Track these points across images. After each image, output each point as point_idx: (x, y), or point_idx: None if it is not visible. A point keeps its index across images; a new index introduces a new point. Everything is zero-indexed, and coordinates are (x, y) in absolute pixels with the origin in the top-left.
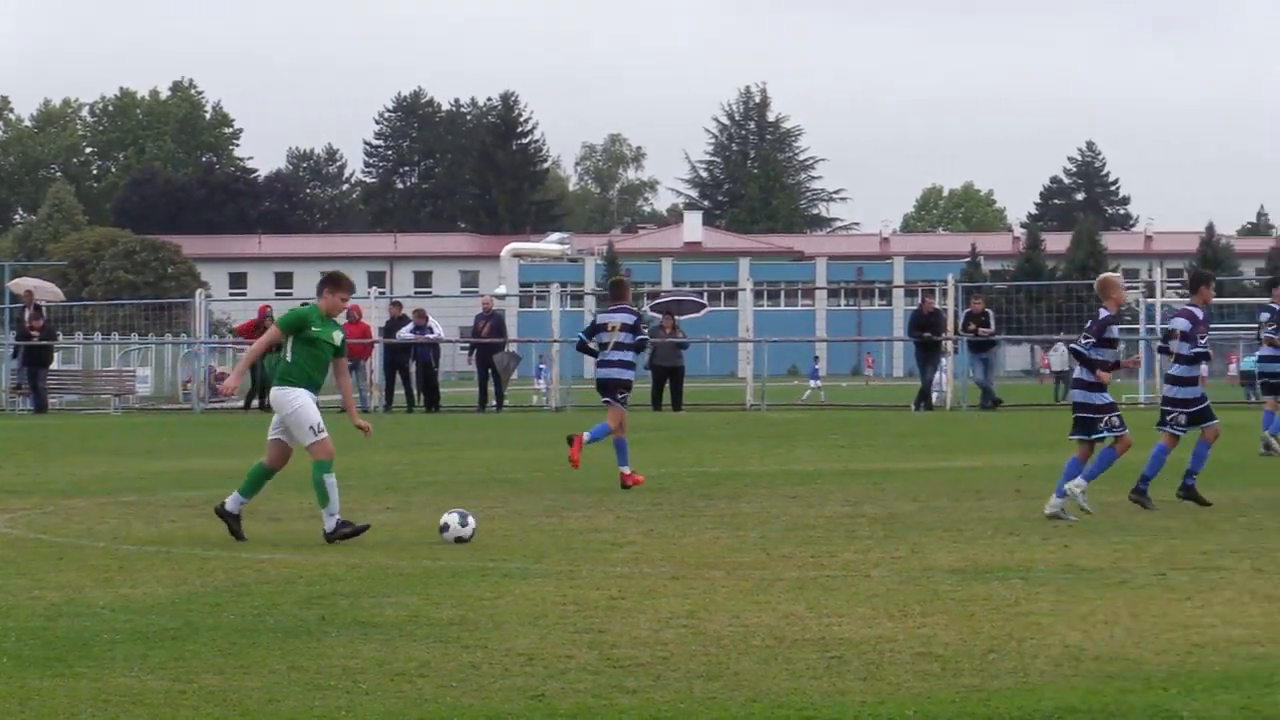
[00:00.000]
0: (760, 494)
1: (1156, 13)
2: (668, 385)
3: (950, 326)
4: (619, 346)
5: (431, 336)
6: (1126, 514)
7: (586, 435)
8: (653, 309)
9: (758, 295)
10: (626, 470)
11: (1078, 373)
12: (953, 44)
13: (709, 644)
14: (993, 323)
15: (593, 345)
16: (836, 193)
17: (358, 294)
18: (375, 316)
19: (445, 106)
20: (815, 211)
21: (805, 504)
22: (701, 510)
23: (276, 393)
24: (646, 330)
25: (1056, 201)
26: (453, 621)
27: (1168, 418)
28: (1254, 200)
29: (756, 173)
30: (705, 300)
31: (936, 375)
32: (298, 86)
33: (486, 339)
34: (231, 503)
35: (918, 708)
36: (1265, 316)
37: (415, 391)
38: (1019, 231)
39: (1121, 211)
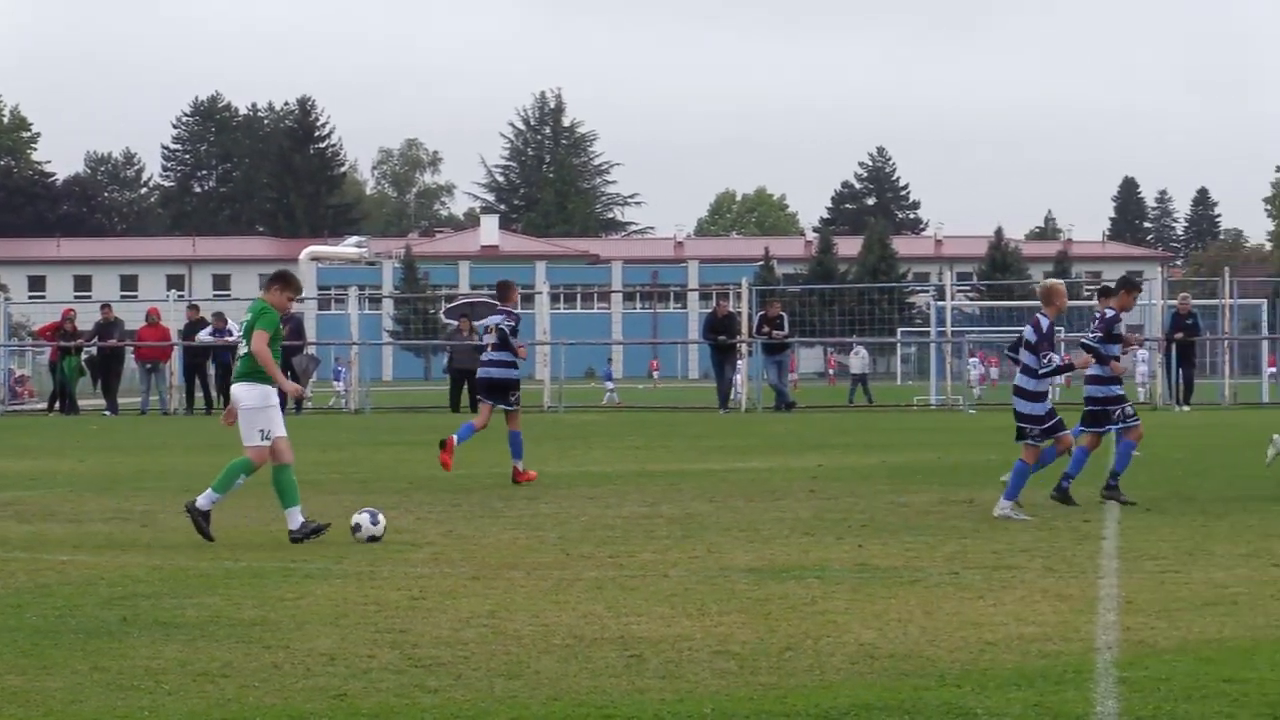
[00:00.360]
0: (558, 495)
1: (946, 20)
2: (466, 387)
3: (745, 329)
4: (496, 347)
5: (230, 339)
6: (918, 514)
7: (456, 438)
8: (447, 313)
9: (554, 298)
10: (519, 466)
11: (1092, 370)
12: (746, 50)
13: (509, 643)
14: (787, 326)
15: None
16: (631, 197)
17: (155, 297)
18: (173, 319)
19: (243, 111)
20: (610, 215)
21: (603, 504)
22: (500, 511)
23: (243, 388)
24: (515, 334)
25: (848, 206)
26: (255, 622)
27: (1115, 414)
28: (1042, 205)
29: (552, 177)
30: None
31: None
32: (95, 91)
33: (285, 342)
34: (204, 499)
35: (715, 705)
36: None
37: (214, 393)
38: (811, 236)
39: (912, 216)
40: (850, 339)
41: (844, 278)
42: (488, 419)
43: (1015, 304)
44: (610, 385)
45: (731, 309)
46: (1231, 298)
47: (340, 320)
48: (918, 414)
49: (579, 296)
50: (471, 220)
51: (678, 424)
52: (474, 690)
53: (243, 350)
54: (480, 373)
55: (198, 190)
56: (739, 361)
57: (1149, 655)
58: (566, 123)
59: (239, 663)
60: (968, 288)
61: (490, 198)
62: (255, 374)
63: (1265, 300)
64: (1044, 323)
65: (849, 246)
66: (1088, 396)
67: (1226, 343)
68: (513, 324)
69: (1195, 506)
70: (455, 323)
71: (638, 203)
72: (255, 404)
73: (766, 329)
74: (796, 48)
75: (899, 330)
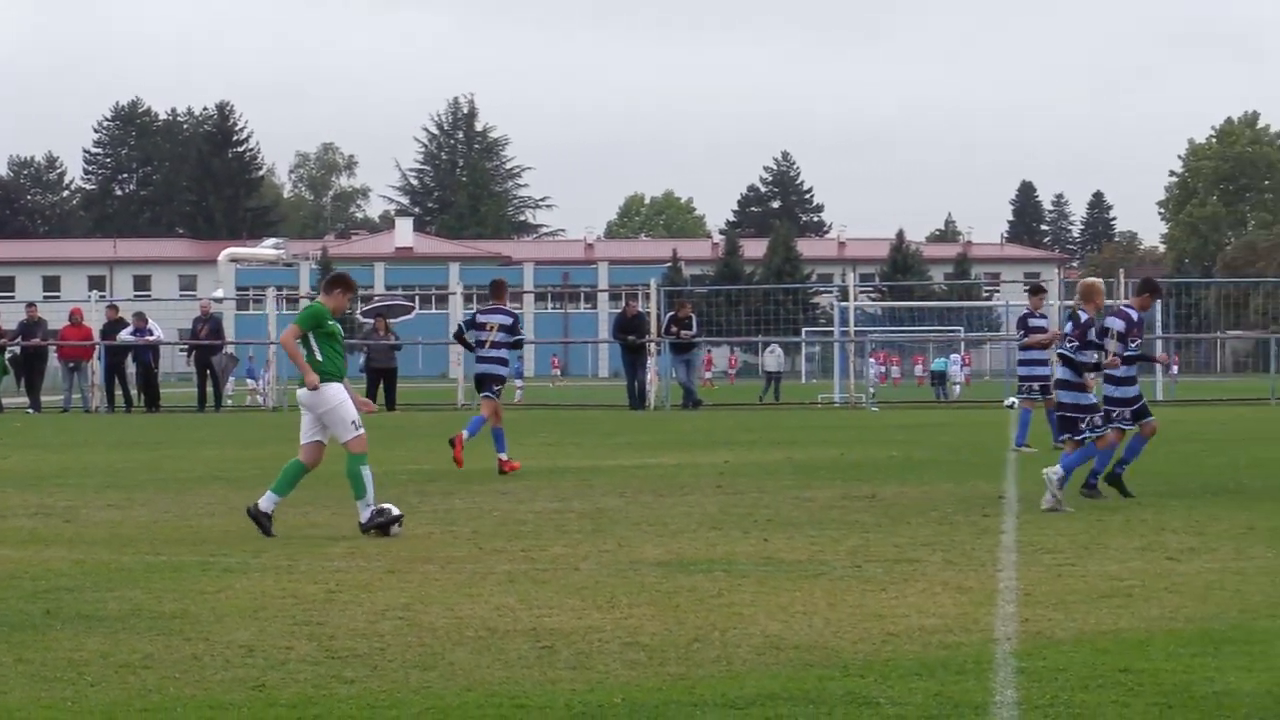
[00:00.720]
0: (472, 491)
1: (849, 26)
2: (381, 386)
3: (653, 329)
4: (496, 345)
5: (151, 339)
6: (822, 509)
7: (465, 433)
8: (364, 314)
9: (467, 299)
10: (504, 457)
11: (1060, 374)
12: (655, 56)
13: (424, 635)
14: (695, 326)
15: (469, 339)
16: (542, 200)
17: (77, 298)
18: (95, 319)
19: (163, 116)
20: (522, 218)
21: (516, 500)
22: (416, 506)
23: (308, 392)
24: (523, 331)
25: (754, 209)
26: (175, 615)
27: (1114, 415)
28: (942, 208)
29: (465, 180)
30: (415, 304)
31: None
32: (18, 95)
33: (205, 341)
34: (265, 501)
35: (625, 695)
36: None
37: (135, 392)
38: (718, 238)
39: (816, 219)
40: (756, 339)
41: (750, 279)
42: (495, 409)
43: (916, 304)
44: (520, 383)
45: (640, 309)
46: (1126, 299)
47: (258, 320)
48: (822, 411)
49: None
50: (386, 223)
51: (588, 421)
52: (389, 681)
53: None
54: (480, 368)
55: (119, 193)
56: (648, 360)
57: (1046, 646)
58: (479, 127)
59: (160, 654)
60: (870, 289)
61: (405, 201)
62: (327, 375)
63: (1159, 301)
64: (1083, 317)
65: (755, 248)
66: (1058, 403)
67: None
68: (513, 320)
69: (1091, 501)
70: (371, 322)
71: (549, 206)
72: (336, 400)
73: (675, 329)
74: (703, 54)
75: (803, 330)
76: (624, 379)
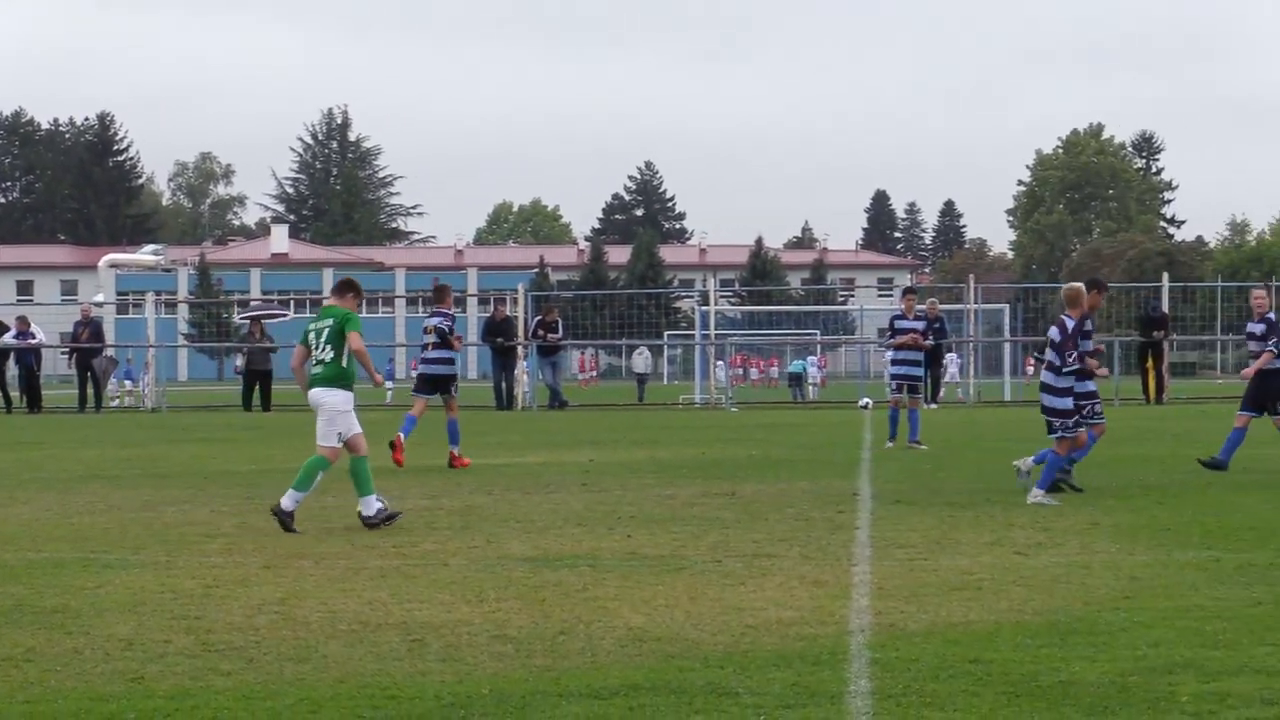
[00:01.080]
0: (345, 488)
1: (712, 42)
2: (258, 387)
3: (521, 332)
4: (437, 346)
5: (33, 342)
6: (684, 506)
7: (402, 435)
8: (241, 318)
9: None
10: (455, 451)
11: (1044, 378)
12: (526, 69)
13: (299, 629)
14: (561, 329)
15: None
16: (414, 208)
17: None
18: None
19: (45, 126)
20: (394, 225)
21: (387, 498)
22: None
23: (324, 393)
24: (452, 332)
25: (618, 217)
26: (56, 610)
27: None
28: (799, 216)
29: (339, 189)
30: (289, 310)
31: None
32: None
33: (86, 344)
34: (287, 500)
35: (493, 686)
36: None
37: (17, 394)
38: (583, 244)
39: (678, 226)
40: (620, 341)
41: (614, 284)
42: (424, 409)
43: (774, 309)
44: (390, 384)
45: (509, 313)
46: (976, 303)
47: (138, 324)
48: (683, 412)
49: (364, 302)
50: (262, 229)
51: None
52: (265, 673)
53: (326, 356)
54: (422, 369)
55: (1, 201)
56: (516, 362)
57: (899, 638)
58: (353, 138)
59: (41, 648)
60: (730, 293)
61: (280, 208)
62: (339, 379)
63: (1007, 305)
64: (1069, 324)
65: (619, 255)
66: (1042, 405)
67: (971, 345)
68: (450, 323)
69: (942, 499)
70: (247, 325)
71: (420, 213)
72: (339, 407)
73: (541, 332)
74: (572, 67)
75: (666, 334)
76: (493, 380)
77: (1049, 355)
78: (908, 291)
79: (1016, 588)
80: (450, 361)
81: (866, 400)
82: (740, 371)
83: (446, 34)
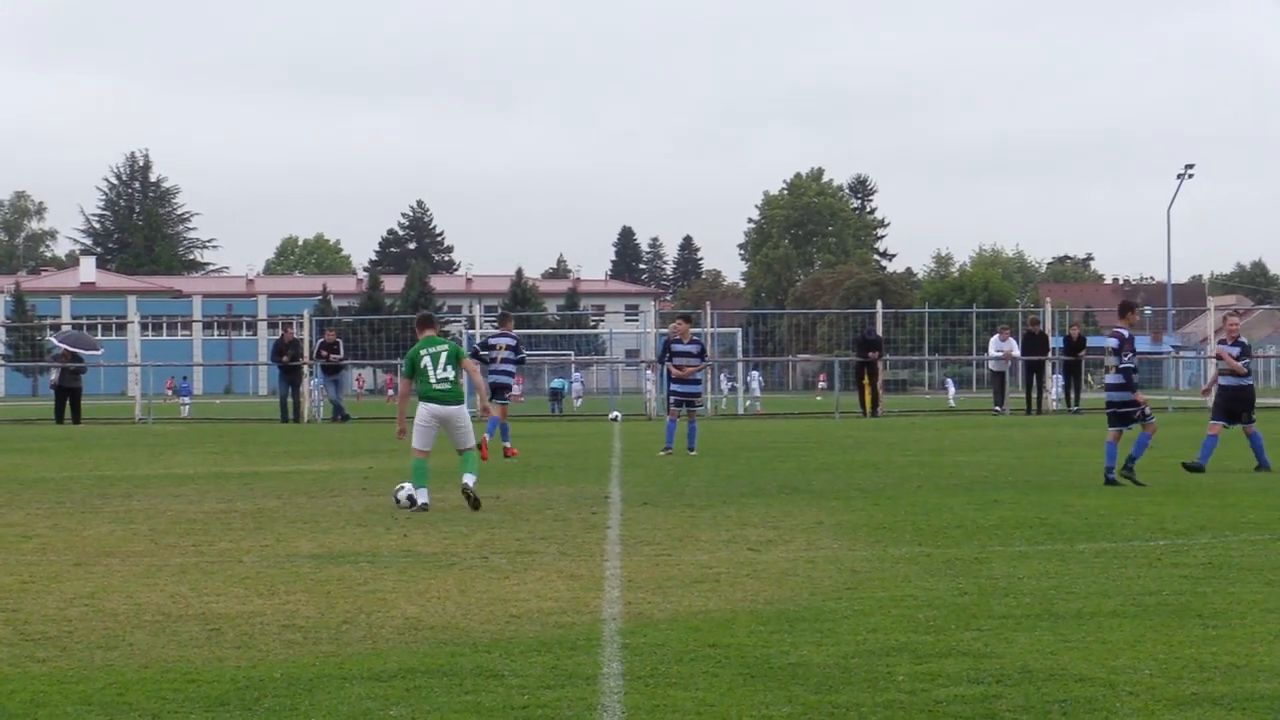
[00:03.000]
0: (149, 493)
1: (478, 99)
2: (68, 402)
3: (306, 353)
4: (505, 361)
5: None
6: (455, 508)
7: (486, 436)
8: (56, 339)
9: (144, 327)
10: (507, 445)
11: (1110, 379)
12: (308, 118)
13: (107, 620)
14: (342, 350)
15: (484, 355)
16: (209, 242)
17: None
18: None
19: None
20: (192, 257)
21: (187, 501)
22: (99, 507)
23: (459, 408)
24: (523, 351)
25: (393, 249)
26: None
27: (1145, 410)
28: (555, 249)
29: (141, 224)
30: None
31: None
32: None
33: None
34: (421, 495)
35: (284, 671)
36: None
37: None
38: (362, 274)
39: (447, 258)
40: (396, 361)
41: (390, 310)
42: (505, 412)
43: (533, 332)
44: (186, 400)
45: (295, 336)
46: (713, 327)
47: None
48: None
49: (165, 326)
50: (72, 261)
51: (250, 433)
52: (77, 660)
53: (449, 375)
54: (493, 379)
55: None
56: (302, 380)
57: (647, 625)
58: (153, 178)
59: None
60: (493, 319)
61: (88, 241)
62: (462, 395)
63: (740, 329)
64: (1125, 333)
65: (394, 284)
66: (1109, 400)
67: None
68: (515, 342)
69: (684, 500)
70: (60, 348)
71: (215, 246)
72: (468, 416)
73: (324, 353)
74: (353, 116)
75: None
76: (279, 396)
77: (1110, 360)
78: (685, 318)
79: (750, 580)
80: (511, 374)
81: (616, 414)
82: None
83: (240, 86)
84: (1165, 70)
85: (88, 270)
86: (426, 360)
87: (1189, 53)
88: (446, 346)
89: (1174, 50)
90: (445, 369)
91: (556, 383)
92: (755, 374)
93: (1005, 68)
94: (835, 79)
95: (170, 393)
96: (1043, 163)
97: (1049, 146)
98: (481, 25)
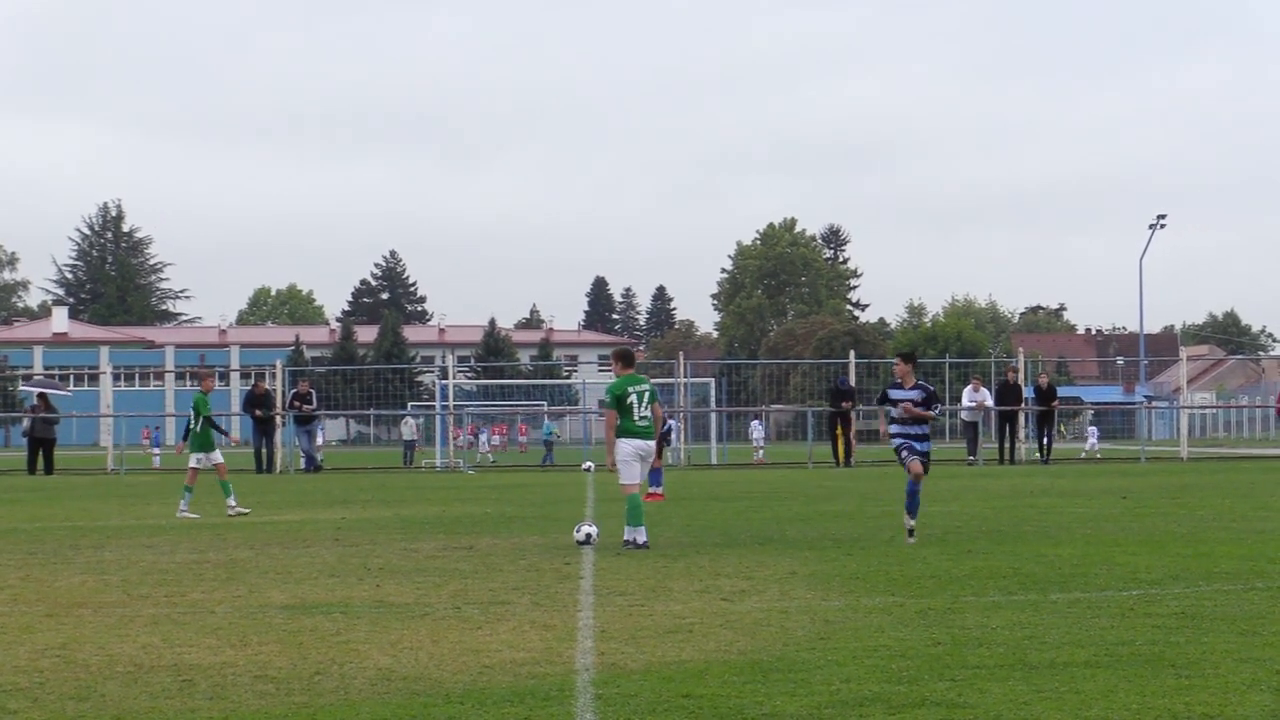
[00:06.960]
0: (121, 544)
1: (452, 155)
2: (41, 453)
3: (279, 403)
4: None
5: None
6: (426, 559)
7: (650, 486)
8: (24, 389)
9: (116, 378)
10: (654, 489)
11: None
12: (280, 170)
13: (79, 671)
14: (315, 400)
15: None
16: (182, 292)
17: None
18: None
19: None
20: (164, 307)
21: (159, 552)
22: (71, 558)
23: (653, 445)
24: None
25: (366, 300)
26: None
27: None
28: (528, 299)
29: (114, 275)
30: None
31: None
32: None
33: None
34: (641, 535)
35: None
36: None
37: None
38: (335, 325)
39: (420, 309)
40: (369, 411)
41: (363, 360)
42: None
43: (506, 382)
44: (156, 450)
45: (268, 386)
46: (686, 377)
47: None
48: (425, 474)
49: (137, 376)
50: (45, 311)
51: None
52: (48, 711)
53: (650, 413)
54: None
55: None
56: (275, 430)
57: (620, 676)
58: (126, 229)
59: None
60: (466, 369)
61: (61, 292)
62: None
63: (713, 379)
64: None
65: (367, 334)
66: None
67: (681, 414)
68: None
69: (657, 550)
70: (35, 400)
71: (187, 296)
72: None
73: (297, 403)
74: (326, 168)
75: (409, 404)
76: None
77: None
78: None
79: (724, 630)
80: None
81: (589, 464)
82: (473, 439)
83: (213, 136)
84: (1140, 122)
85: (60, 321)
86: (633, 398)
87: (1171, 104)
88: (648, 387)
89: (1152, 101)
90: (646, 408)
91: (548, 429)
92: (757, 424)
93: (977, 118)
94: (811, 130)
95: (147, 442)
96: (1016, 213)
97: (1022, 197)
98: (457, 77)
